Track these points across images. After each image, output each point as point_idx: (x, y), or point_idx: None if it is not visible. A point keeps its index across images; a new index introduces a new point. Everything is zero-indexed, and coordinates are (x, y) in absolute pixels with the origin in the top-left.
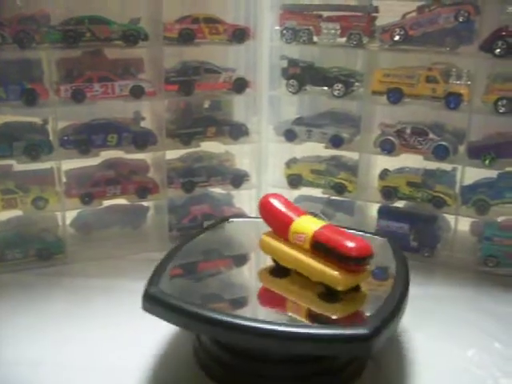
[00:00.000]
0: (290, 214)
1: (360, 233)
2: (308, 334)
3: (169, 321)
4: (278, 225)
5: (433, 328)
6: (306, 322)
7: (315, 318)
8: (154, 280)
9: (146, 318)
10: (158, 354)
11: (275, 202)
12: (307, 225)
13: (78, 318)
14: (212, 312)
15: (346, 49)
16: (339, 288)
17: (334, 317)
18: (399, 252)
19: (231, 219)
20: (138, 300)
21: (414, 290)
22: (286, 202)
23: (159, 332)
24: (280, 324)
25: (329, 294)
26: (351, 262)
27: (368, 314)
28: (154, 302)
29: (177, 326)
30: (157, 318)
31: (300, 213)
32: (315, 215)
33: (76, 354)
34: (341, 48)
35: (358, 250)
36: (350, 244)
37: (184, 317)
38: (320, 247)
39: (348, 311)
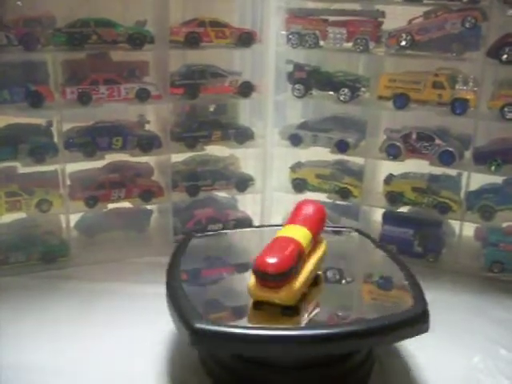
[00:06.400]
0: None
1: None
2: None
3: None
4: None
5: (437, 334)
6: None
7: None
8: None
9: (150, 323)
10: (163, 359)
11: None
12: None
13: (81, 322)
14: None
15: (351, 53)
16: None
17: None
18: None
19: None
20: (141, 304)
21: None
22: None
23: (164, 336)
24: None
25: None
26: None
27: None
28: None
29: None
30: (161, 323)
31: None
32: None
33: (78, 359)
34: (347, 53)
35: None
36: None
37: None
38: None
39: None
